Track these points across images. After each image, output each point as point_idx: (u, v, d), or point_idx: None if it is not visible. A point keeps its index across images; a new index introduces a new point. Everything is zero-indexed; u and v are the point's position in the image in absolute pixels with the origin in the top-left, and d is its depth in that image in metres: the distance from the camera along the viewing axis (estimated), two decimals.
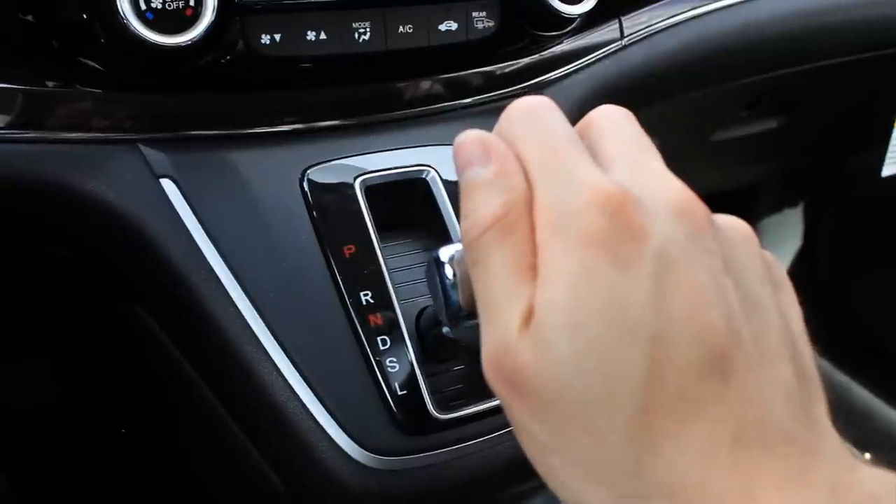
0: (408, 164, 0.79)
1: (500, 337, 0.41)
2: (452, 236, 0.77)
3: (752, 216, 1.97)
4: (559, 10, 0.80)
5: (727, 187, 1.73)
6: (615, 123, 0.46)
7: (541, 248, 0.41)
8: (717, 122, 1.39)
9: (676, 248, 0.39)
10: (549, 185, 0.42)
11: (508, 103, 0.84)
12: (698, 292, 0.38)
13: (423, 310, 0.73)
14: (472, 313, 0.47)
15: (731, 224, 0.43)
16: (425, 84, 0.84)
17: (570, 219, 0.40)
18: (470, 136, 0.46)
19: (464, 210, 0.44)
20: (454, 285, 0.48)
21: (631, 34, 0.99)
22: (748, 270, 0.42)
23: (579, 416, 0.38)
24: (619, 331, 0.38)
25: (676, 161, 1.42)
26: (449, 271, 0.49)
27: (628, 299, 0.38)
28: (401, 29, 0.76)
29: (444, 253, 0.49)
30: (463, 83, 0.86)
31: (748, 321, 0.39)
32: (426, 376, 0.71)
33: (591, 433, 0.38)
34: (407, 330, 0.72)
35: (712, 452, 0.37)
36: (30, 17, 0.69)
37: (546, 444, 0.41)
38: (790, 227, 1.97)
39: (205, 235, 0.72)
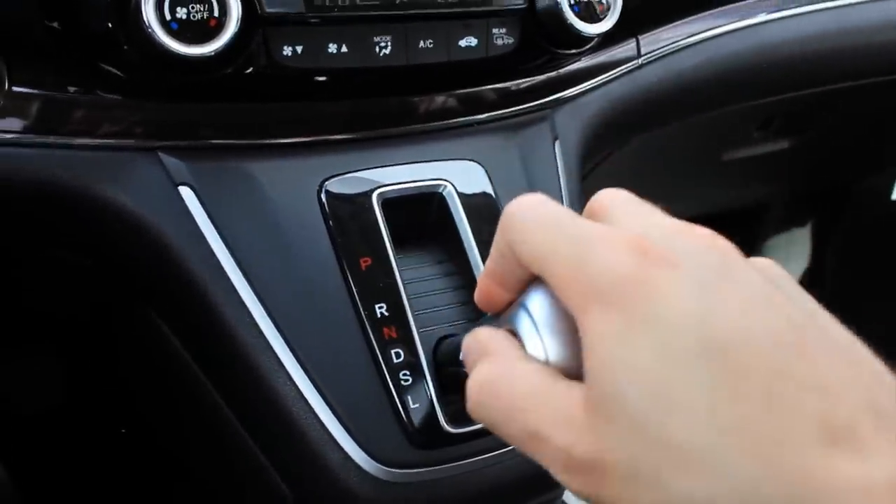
0: (424, 178, 0.79)
1: (564, 440, 0.40)
2: (467, 250, 0.77)
3: (760, 235, 1.97)
4: (579, 30, 0.80)
5: (735, 206, 1.74)
6: (618, 198, 0.46)
7: (578, 316, 0.40)
8: (729, 141, 1.40)
9: (712, 268, 0.39)
10: (564, 257, 0.41)
11: (525, 119, 0.87)
12: (748, 301, 0.38)
13: (440, 340, 0.73)
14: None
15: (759, 259, 0.43)
16: (442, 99, 0.84)
17: (596, 272, 0.39)
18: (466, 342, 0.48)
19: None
20: None
21: (647, 53, 0.99)
22: (789, 287, 0.41)
23: (671, 452, 0.37)
24: (682, 360, 0.37)
25: (686, 180, 1.43)
26: None
27: (677, 322, 0.37)
28: (421, 44, 0.76)
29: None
30: (479, 98, 0.86)
31: (809, 319, 0.39)
32: (439, 390, 0.72)
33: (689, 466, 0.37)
34: (421, 343, 0.72)
35: (832, 450, 0.35)
36: (55, 24, 0.69)
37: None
38: (798, 247, 1.97)
39: (222, 244, 0.72)
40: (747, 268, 0.40)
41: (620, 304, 0.38)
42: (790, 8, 1.11)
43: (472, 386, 0.44)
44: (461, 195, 0.79)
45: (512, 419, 0.42)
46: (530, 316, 0.45)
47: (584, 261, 0.40)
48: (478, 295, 0.50)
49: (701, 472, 0.36)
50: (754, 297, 0.38)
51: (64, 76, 0.71)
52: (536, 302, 0.45)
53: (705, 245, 0.40)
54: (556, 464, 0.40)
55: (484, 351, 0.45)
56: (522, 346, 0.45)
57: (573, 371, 0.42)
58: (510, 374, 0.43)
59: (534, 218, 0.44)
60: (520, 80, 0.88)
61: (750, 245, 1.98)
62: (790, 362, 0.36)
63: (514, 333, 0.46)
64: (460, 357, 0.49)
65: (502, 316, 0.48)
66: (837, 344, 0.38)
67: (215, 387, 0.78)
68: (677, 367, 0.37)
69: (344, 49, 0.74)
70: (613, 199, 0.46)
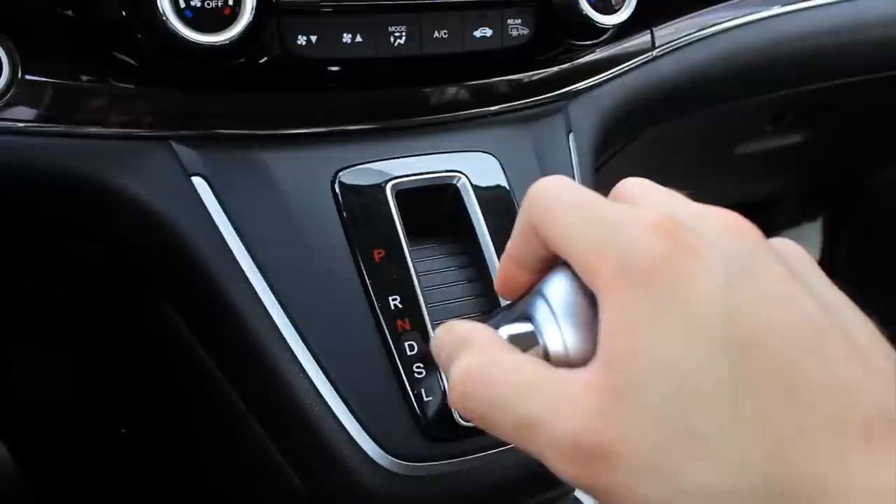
0: (438, 169, 0.79)
1: (568, 426, 0.39)
2: (481, 242, 0.77)
3: (771, 230, 1.95)
4: (594, 20, 0.80)
5: (747, 200, 1.73)
6: (643, 184, 0.46)
7: (603, 297, 0.40)
8: (742, 135, 1.39)
9: (738, 260, 0.39)
10: (589, 237, 0.41)
11: (539, 111, 0.86)
12: (772, 298, 0.38)
13: None
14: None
15: (784, 242, 0.43)
16: (455, 90, 0.84)
17: (625, 254, 0.39)
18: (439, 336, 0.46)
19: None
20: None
21: (662, 45, 0.99)
22: (813, 278, 0.41)
23: (681, 446, 0.37)
24: (707, 353, 0.37)
25: (699, 173, 1.42)
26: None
27: (704, 315, 0.37)
28: (436, 34, 0.76)
29: (502, 332, 0.47)
30: (493, 90, 0.86)
31: (830, 318, 0.38)
32: None
33: (700, 458, 0.37)
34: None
35: (845, 451, 0.35)
36: (69, 12, 0.69)
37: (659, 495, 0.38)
38: (808, 242, 1.96)
39: (235, 234, 0.72)
40: (772, 259, 0.40)
41: (648, 288, 0.38)
42: (804, 0, 1.10)
43: (457, 376, 0.43)
44: (475, 187, 0.79)
45: (505, 407, 0.41)
46: (548, 303, 0.44)
47: (611, 242, 0.40)
48: (498, 280, 0.49)
49: (718, 464, 0.36)
50: (774, 293, 0.38)
51: (77, 65, 0.71)
52: (555, 289, 0.44)
53: (732, 229, 0.40)
54: (557, 452, 0.39)
55: (464, 343, 0.44)
56: (539, 333, 0.44)
57: (587, 360, 0.42)
58: (500, 363, 0.42)
59: (559, 198, 0.44)
60: (534, 72, 0.88)
61: None
62: (807, 362, 0.36)
63: (531, 320, 0.45)
64: (431, 350, 0.48)
65: (518, 304, 0.48)
66: (856, 344, 0.38)
67: (227, 378, 0.78)
68: (703, 359, 0.37)
69: (358, 38, 0.73)
70: (638, 186, 0.46)
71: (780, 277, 0.39)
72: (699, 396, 0.36)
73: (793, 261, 0.41)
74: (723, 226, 0.40)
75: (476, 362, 0.43)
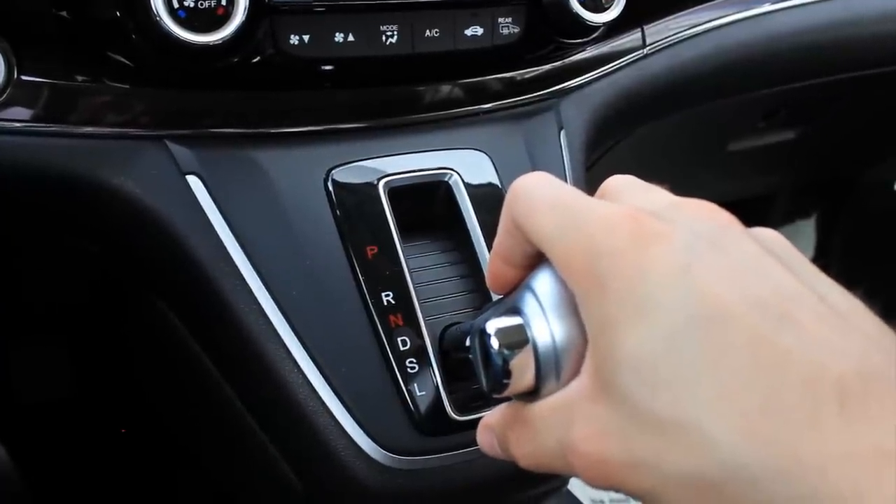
0: (431, 167, 0.79)
1: (574, 437, 0.41)
2: (472, 238, 0.77)
3: (765, 226, 1.96)
4: (584, 19, 0.80)
5: (741, 197, 1.73)
6: (626, 181, 0.47)
7: (580, 302, 0.41)
8: (735, 131, 1.40)
9: (705, 237, 0.39)
10: (564, 236, 0.42)
11: (530, 109, 0.87)
12: (736, 270, 0.38)
13: (446, 328, 0.73)
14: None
15: (762, 229, 0.43)
16: (447, 88, 0.85)
17: (594, 255, 0.40)
18: None
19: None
20: (499, 353, 0.47)
21: (653, 43, 0.99)
22: (791, 257, 0.41)
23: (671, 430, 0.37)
24: (670, 338, 0.37)
25: (692, 170, 1.42)
26: (495, 342, 0.47)
27: (663, 299, 0.37)
28: (428, 33, 0.77)
29: (491, 326, 0.48)
30: (485, 88, 0.86)
31: (804, 287, 0.38)
32: (445, 377, 0.72)
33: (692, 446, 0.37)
34: (427, 331, 0.73)
35: (817, 416, 0.34)
36: (64, 13, 0.69)
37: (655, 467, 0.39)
38: (803, 238, 1.97)
39: (230, 233, 0.72)
40: (743, 237, 0.40)
41: (613, 286, 0.39)
42: None
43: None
44: (467, 184, 0.79)
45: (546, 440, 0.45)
46: (536, 297, 0.45)
47: (581, 242, 0.41)
48: (488, 276, 0.50)
49: (688, 447, 0.36)
50: (742, 266, 0.38)
51: (72, 65, 0.72)
52: (542, 283, 0.45)
53: (705, 214, 0.41)
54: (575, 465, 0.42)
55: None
56: (528, 325, 0.45)
57: (580, 350, 0.43)
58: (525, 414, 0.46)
59: (540, 196, 0.45)
60: (525, 70, 0.88)
61: None
62: (775, 330, 0.36)
63: (520, 313, 0.46)
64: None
65: (508, 298, 0.49)
66: (833, 311, 0.38)
67: (223, 376, 0.78)
68: (662, 345, 0.37)
69: (350, 38, 0.74)
70: (621, 183, 0.47)
71: (750, 251, 0.39)
72: (660, 383, 0.37)
73: (768, 242, 0.41)
74: (696, 212, 0.41)
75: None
